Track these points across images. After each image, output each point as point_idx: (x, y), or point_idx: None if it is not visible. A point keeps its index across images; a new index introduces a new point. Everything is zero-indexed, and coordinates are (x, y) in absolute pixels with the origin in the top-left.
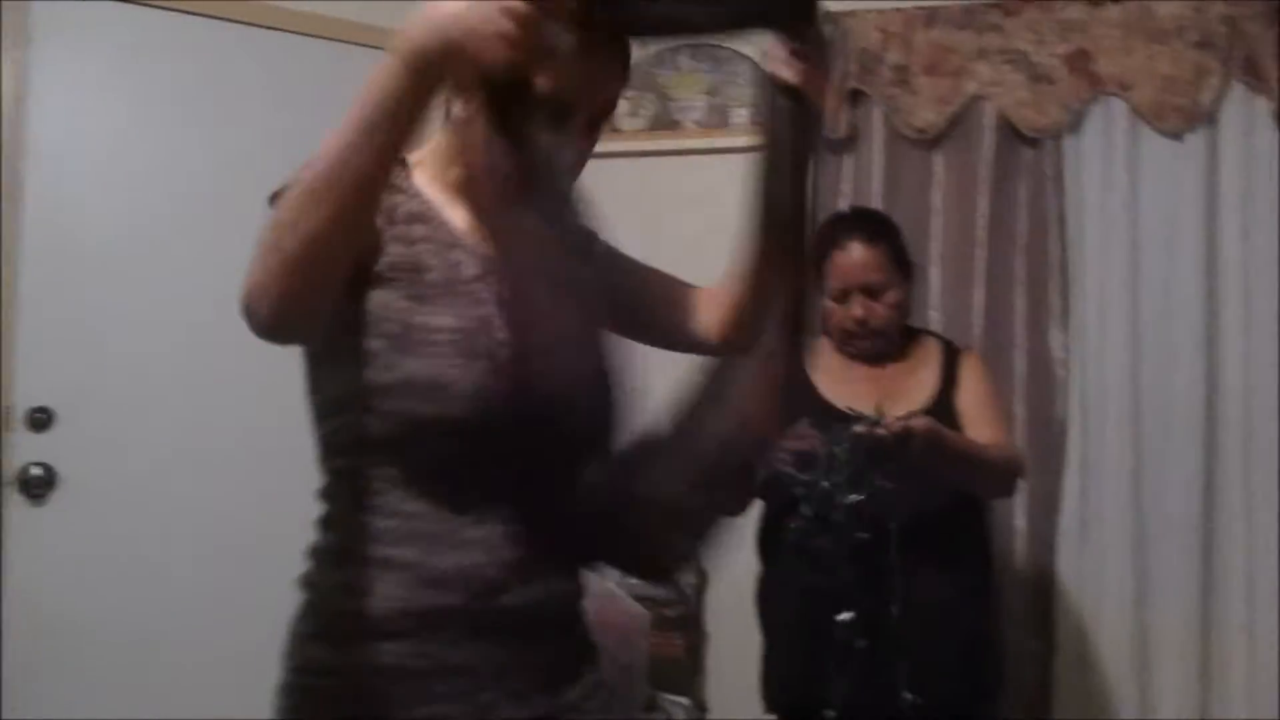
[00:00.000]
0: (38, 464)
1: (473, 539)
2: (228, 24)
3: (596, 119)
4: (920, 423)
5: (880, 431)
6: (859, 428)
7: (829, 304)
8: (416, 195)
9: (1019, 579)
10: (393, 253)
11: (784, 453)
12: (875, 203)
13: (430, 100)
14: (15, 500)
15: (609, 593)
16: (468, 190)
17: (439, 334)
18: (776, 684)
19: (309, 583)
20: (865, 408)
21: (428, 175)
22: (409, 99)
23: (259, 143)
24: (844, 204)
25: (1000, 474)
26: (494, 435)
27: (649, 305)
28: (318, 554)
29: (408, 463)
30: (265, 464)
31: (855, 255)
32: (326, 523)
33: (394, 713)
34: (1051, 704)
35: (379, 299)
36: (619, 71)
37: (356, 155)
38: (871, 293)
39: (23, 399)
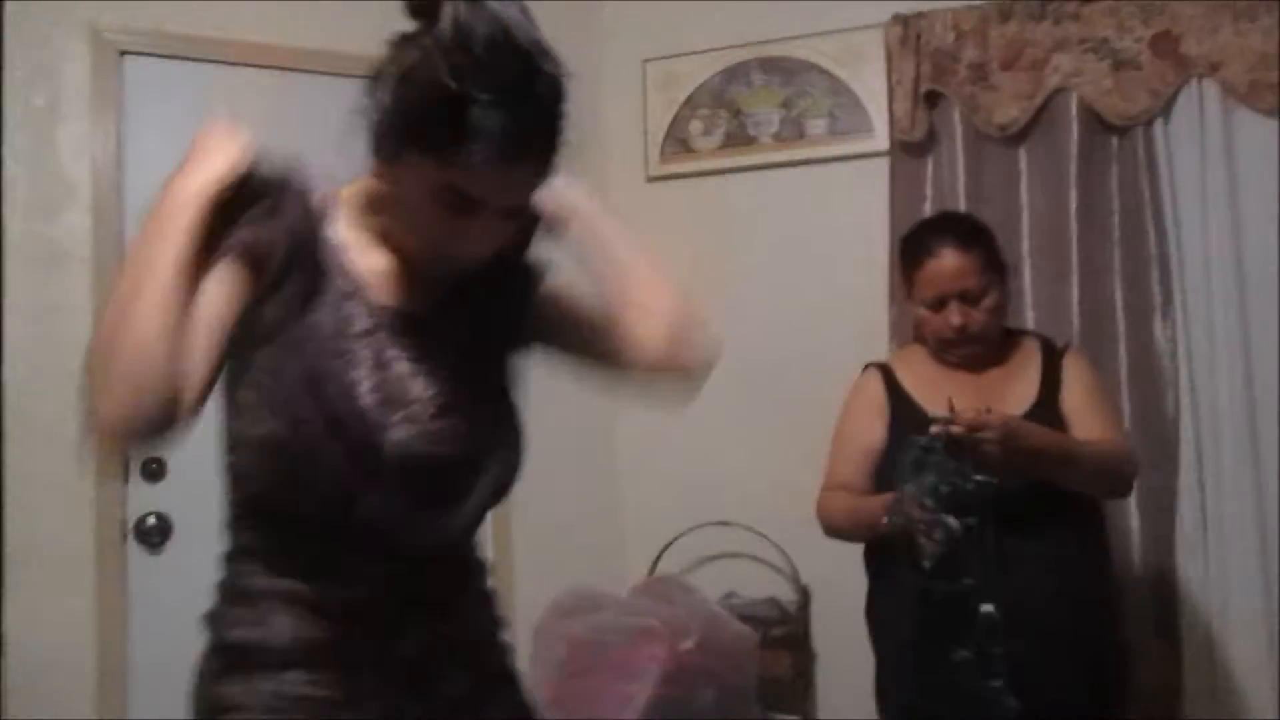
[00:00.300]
0: (153, 514)
1: (360, 574)
2: (312, 75)
3: (511, 213)
4: (992, 416)
5: (954, 429)
6: (934, 428)
7: (923, 312)
8: (326, 241)
9: (1139, 580)
10: (286, 303)
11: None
12: (960, 204)
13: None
14: (134, 549)
15: (716, 615)
16: (387, 239)
17: (291, 359)
18: (890, 696)
19: (212, 620)
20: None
21: (350, 214)
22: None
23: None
24: (927, 207)
25: (1109, 470)
26: (349, 497)
27: (587, 338)
28: (221, 590)
29: (277, 495)
30: None
31: (949, 262)
32: (229, 558)
33: None
34: (1181, 705)
35: (264, 350)
36: (537, 179)
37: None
38: (968, 299)
39: (137, 452)
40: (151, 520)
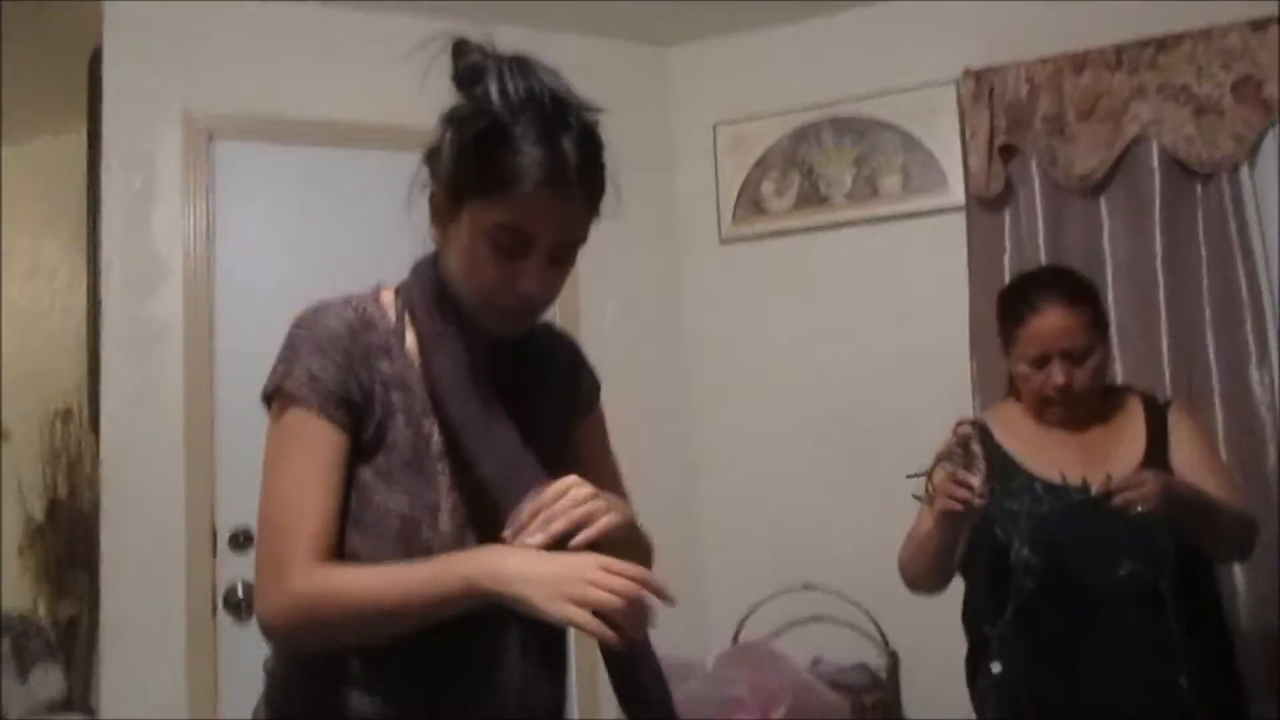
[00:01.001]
0: (241, 583)
1: (446, 660)
2: (398, 153)
3: (558, 255)
4: (1146, 475)
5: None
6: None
7: (1024, 369)
8: (400, 356)
9: (1248, 639)
10: (370, 424)
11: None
12: (1040, 257)
13: None
14: (224, 619)
15: (806, 683)
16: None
17: (388, 516)
18: None
19: (274, 699)
20: (1072, 477)
21: (415, 312)
22: (458, 606)
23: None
24: (1007, 261)
25: (1236, 530)
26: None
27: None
28: (287, 663)
29: None
30: None
31: (1054, 319)
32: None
33: None
34: None
35: (355, 470)
36: (582, 214)
37: (402, 619)
38: (1072, 357)
39: (224, 524)
40: (240, 591)
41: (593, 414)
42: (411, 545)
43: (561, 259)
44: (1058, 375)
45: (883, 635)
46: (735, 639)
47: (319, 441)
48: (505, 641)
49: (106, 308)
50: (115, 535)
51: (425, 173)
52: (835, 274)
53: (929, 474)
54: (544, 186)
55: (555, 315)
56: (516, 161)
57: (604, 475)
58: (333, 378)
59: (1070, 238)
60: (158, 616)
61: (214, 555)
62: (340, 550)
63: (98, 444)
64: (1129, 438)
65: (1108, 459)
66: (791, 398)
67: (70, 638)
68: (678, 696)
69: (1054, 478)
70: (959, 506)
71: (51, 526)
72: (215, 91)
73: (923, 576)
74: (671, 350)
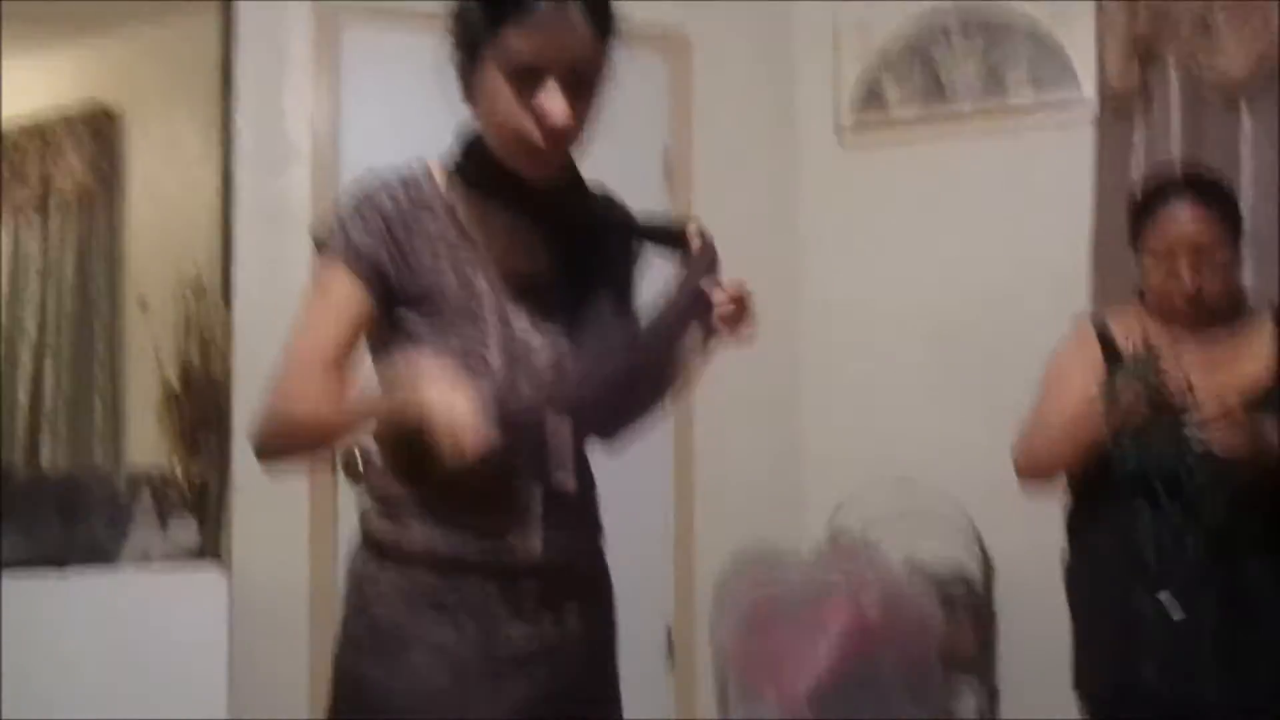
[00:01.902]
0: (357, 448)
1: (485, 495)
2: None
3: (572, 81)
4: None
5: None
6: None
7: (1152, 267)
8: (443, 216)
9: None
10: (418, 276)
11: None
12: (1174, 164)
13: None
14: (343, 483)
15: (899, 578)
16: (492, 191)
17: (443, 355)
18: (1089, 667)
19: (365, 517)
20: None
21: (455, 175)
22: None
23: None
24: (1136, 170)
25: None
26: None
27: None
28: (372, 492)
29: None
30: None
31: (1187, 217)
32: (381, 471)
33: (420, 625)
34: None
35: (406, 316)
36: (589, 40)
37: (335, 432)
38: (1203, 259)
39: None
40: (358, 455)
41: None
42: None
43: (578, 88)
44: (1185, 275)
45: (979, 535)
46: (830, 530)
47: (342, 294)
48: (532, 491)
49: (238, 186)
50: (247, 402)
51: (451, 53)
52: (958, 178)
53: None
54: (544, 12)
55: (669, 207)
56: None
57: None
58: (365, 240)
59: (1207, 146)
60: (283, 477)
61: None
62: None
63: (229, 316)
64: (1254, 353)
65: (1227, 367)
66: (904, 299)
67: (201, 495)
68: (774, 584)
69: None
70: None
71: (185, 393)
72: None
73: (1053, 463)
74: (787, 247)
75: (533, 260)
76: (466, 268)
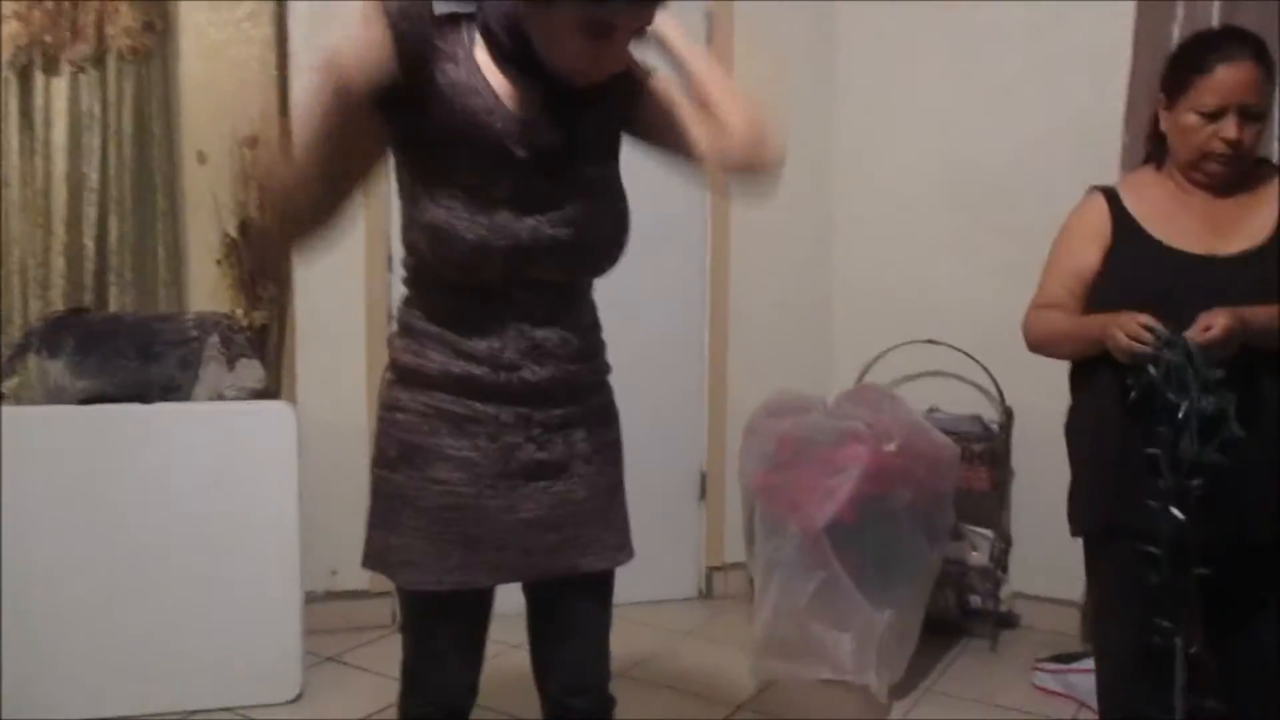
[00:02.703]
0: None
1: (494, 329)
2: None
3: (637, 36)
4: (1216, 331)
5: (1193, 346)
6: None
7: (1193, 120)
8: (470, 68)
9: None
10: (441, 119)
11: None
12: (1214, 20)
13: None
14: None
15: (918, 423)
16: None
17: (457, 188)
18: (1082, 507)
19: (390, 343)
20: (1196, 246)
21: (489, 38)
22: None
23: None
24: (1176, 30)
25: None
26: (490, 270)
27: (679, 135)
28: (398, 324)
29: (430, 278)
30: None
31: (1244, 72)
32: (404, 302)
33: (441, 441)
34: None
35: (430, 156)
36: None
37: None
38: (1248, 114)
39: (397, 247)
40: None
41: (652, 78)
42: (478, 207)
43: (639, 35)
44: (1231, 129)
45: (1000, 391)
46: (858, 383)
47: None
48: (515, 302)
49: (293, 38)
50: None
51: None
52: (993, 38)
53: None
54: None
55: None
56: None
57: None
58: (410, 21)
59: (1246, 16)
60: (343, 323)
61: (389, 271)
62: (422, 226)
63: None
64: (1263, 210)
65: (1237, 228)
66: (935, 159)
67: (263, 340)
68: (798, 424)
69: (1180, 245)
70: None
71: (244, 242)
72: None
73: (1049, 352)
74: (820, 103)
75: (553, 136)
76: (486, 115)
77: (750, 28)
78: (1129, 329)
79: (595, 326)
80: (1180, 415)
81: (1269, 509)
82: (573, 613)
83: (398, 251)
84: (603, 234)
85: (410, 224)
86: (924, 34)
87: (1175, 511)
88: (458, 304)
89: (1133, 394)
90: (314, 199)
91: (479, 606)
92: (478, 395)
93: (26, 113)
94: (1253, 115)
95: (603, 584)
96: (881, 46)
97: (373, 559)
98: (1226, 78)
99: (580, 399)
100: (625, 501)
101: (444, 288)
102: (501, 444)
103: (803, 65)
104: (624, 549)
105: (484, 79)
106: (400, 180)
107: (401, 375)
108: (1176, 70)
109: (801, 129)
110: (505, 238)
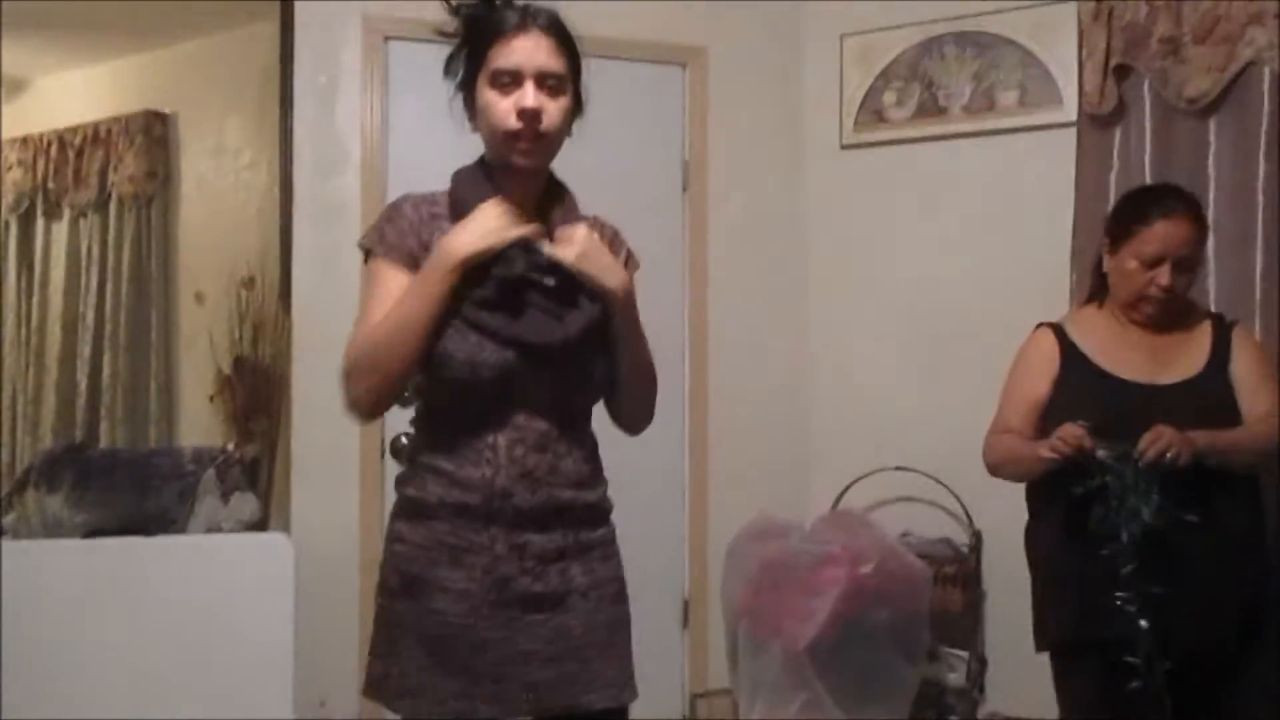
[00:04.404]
0: (405, 434)
1: (488, 458)
2: None
3: (546, 83)
4: (1177, 451)
5: (1149, 457)
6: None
7: (1133, 266)
8: (448, 224)
9: None
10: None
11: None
12: (1146, 175)
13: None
14: (390, 465)
15: (893, 546)
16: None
17: (447, 320)
18: (1048, 621)
19: (398, 481)
20: (1138, 375)
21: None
22: (442, 286)
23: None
24: (1114, 178)
25: (1268, 449)
26: (483, 391)
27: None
28: (405, 460)
29: (435, 406)
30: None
31: (1179, 227)
32: (410, 440)
33: (440, 572)
34: None
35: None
36: (555, 52)
37: (422, 319)
38: (1181, 264)
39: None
40: (404, 440)
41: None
42: (465, 336)
43: (552, 89)
44: (1165, 276)
45: (968, 514)
46: (834, 508)
47: (388, 281)
48: (506, 430)
49: (296, 186)
50: (302, 385)
51: (456, 95)
52: (949, 183)
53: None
54: (518, 30)
55: (685, 205)
56: (499, 19)
57: None
58: (398, 236)
59: (1178, 157)
60: (338, 456)
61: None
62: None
63: (279, 308)
64: (1195, 347)
65: (1174, 363)
66: (902, 294)
67: (255, 473)
68: (778, 548)
69: (1123, 374)
70: (1060, 456)
71: (238, 378)
72: None
73: (1007, 476)
74: (793, 243)
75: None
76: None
77: (724, 173)
78: (1051, 440)
79: (591, 458)
80: (1122, 531)
81: (1229, 611)
82: None
83: None
84: (584, 371)
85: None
86: (885, 174)
87: (1142, 622)
88: (455, 435)
89: (1087, 505)
90: (408, 371)
91: None
92: (473, 525)
93: (26, 255)
94: (1185, 266)
95: None
96: (848, 193)
97: (372, 687)
98: (1166, 230)
99: (574, 530)
100: (629, 640)
101: (443, 420)
102: (496, 575)
103: (775, 210)
104: (627, 687)
105: None
106: None
107: (404, 508)
108: (1120, 219)
109: (776, 263)
110: (493, 362)
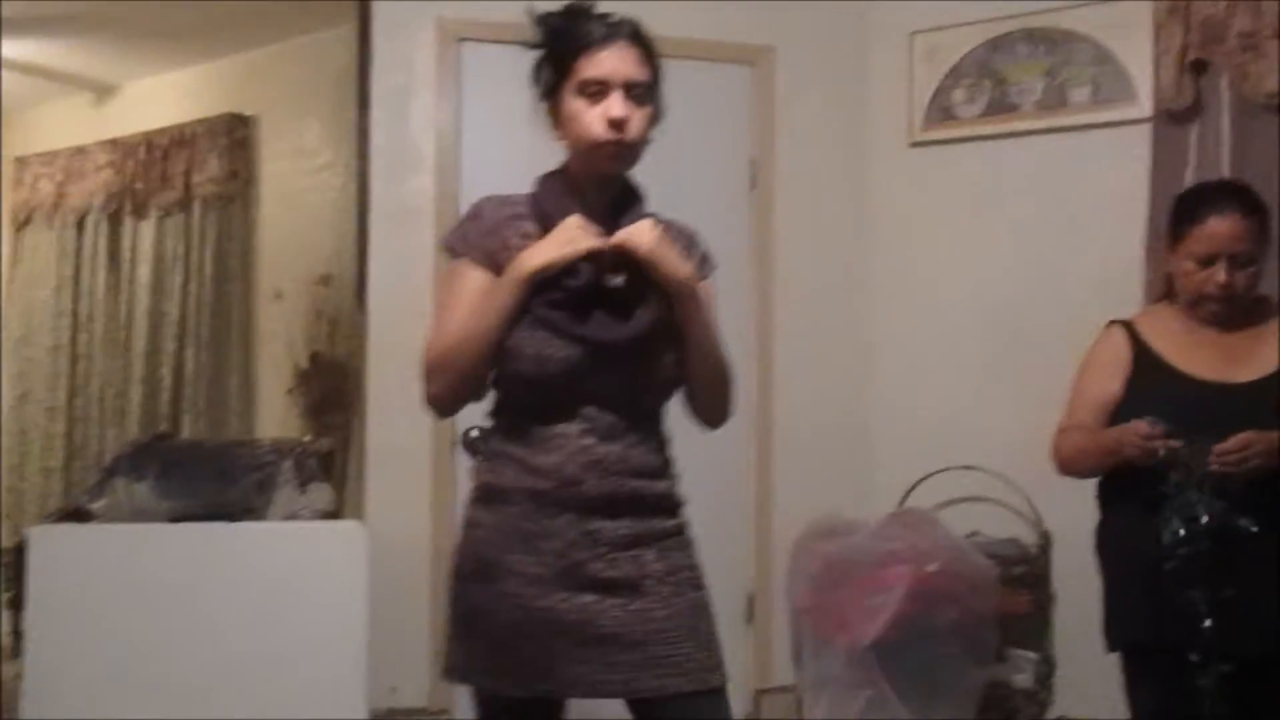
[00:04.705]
0: (476, 428)
1: (560, 445)
2: None
3: (631, 92)
4: (1248, 457)
5: (1224, 467)
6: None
7: (1190, 266)
8: (528, 224)
9: None
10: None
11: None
12: (1224, 173)
13: None
14: (461, 457)
15: (959, 545)
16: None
17: (527, 316)
18: (1118, 621)
19: (475, 469)
20: (1210, 373)
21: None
22: (516, 295)
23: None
24: (1189, 176)
25: None
26: (549, 385)
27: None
28: (483, 450)
29: (509, 396)
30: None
31: (1230, 223)
32: (489, 429)
33: (513, 556)
34: None
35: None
36: (639, 63)
37: (493, 326)
38: (1237, 261)
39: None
40: (474, 433)
41: (702, 282)
42: (534, 332)
43: (638, 98)
44: (1221, 274)
45: (1036, 515)
46: (900, 507)
47: (467, 281)
48: (579, 420)
49: (373, 188)
50: (377, 380)
51: (541, 106)
52: (1019, 181)
53: None
54: (605, 41)
55: (752, 204)
56: (586, 30)
57: None
58: (479, 237)
59: (1255, 155)
60: (410, 450)
61: None
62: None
63: (354, 306)
64: (1269, 345)
65: (1247, 361)
66: (967, 292)
67: (330, 465)
68: (843, 546)
69: (1196, 373)
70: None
71: (315, 373)
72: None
73: (1076, 471)
74: (858, 241)
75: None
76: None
77: (792, 173)
78: (1138, 430)
79: (661, 450)
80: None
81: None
82: None
83: None
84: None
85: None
86: (953, 172)
87: (1206, 622)
88: (528, 424)
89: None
90: (481, 373)
91: (550, 718)
92: (545, 511)
93: (114, 253)
94: (1242, 262)
95: (712, 705)
96: (916, 191)
97: (451, 670)
98: (1217, 228)
99: (646, 518)
100: (714, 625)
101: (517, 410)
102: (569, 560)
103: (841, 206)
104: (716, 670)
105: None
106: None
107: (480, 494)
108: (1175, 220)
109: (842, 262)
110: (559, 357)
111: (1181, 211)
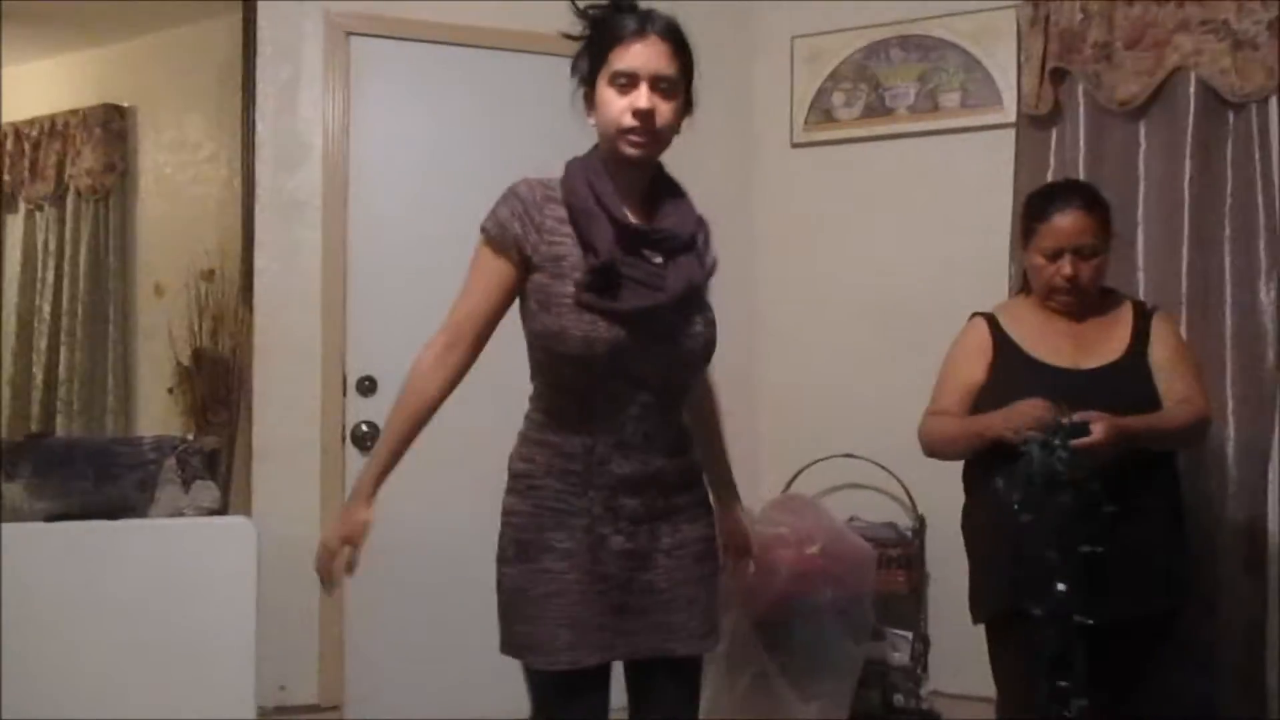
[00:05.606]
0: (365, 422)
1: (593, 428)
2: (512, 54)
3: (659, 86)
4: (1102, 432)
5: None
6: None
7: (1040, 261)
8: (560, 207)
9: (1232, 523)
10: (544, 250)
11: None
12: (1080, 174)
13: None
14: (351, 451)
15: (839, 529)
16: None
17: (564, 298)
18: (980, 595)
19: (510, 457)
20: (1062, 360)
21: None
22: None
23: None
24: (1050, 176)
25: (1185, 432)
26: (596, 366)
27: None
28: (518, 438)
29: (549, 380)
30: None
31: (1073, 219)
32: (525, 419)
33: (547, 535)
34: (1265, 635)
35: (536, 278)
36: (670, 57)
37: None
38: (1081, 254)
39: (352, 370)
40: (364, 428)
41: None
42: (582, 313)
43: (665, 91)
44: (1067, 267)
45: (912, 500)
46: (783, 493)
47: (489, 266)
48: (629, 403)
49: (259, 181)
50: (264, 375)
51: (578, 92)
52: (894, 180)
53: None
54: (637, 35)
55: None
56: (621, 23)
57: None
58: (507, 217)
59: (1109, 157)
60: (298, 445)
61: (344, 396)
62: (537, 334)
63: (238, 301)
64: (1117, 333)
65: (1097, 347)
66: (848, 286)
67: (214, 463)
68: None
69: (1049, 360)
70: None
71: (197, 370)
72: None
73: (941, 454)
74: (743, 238)
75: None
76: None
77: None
78: (1009, 416)
79: (685, 432)
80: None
81: (1159, 582)
82: (660, 695)
83: (353, 373)
84: (690, 346)
85: (533, 337)
86: (832, 172)
87: (1060, 585)
88: (562, 410)
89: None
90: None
91: (598, 684)
92: (574, 490)
93: None
94: (1086, 254)
95: (690, 670)
96: (797, 190)
97: (507, 646)
98: (1061, 224)
99: (666, 494)
100: (714, 594)
101: (551, 396)
102: (594, 535)
103: (728, 204)
104: (709, 636)
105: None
106: (524, 309)
107: (515, 483)
108: (1025, 218)
109: (728, 257)
110: (607, 337)
111: (1031, 210)
